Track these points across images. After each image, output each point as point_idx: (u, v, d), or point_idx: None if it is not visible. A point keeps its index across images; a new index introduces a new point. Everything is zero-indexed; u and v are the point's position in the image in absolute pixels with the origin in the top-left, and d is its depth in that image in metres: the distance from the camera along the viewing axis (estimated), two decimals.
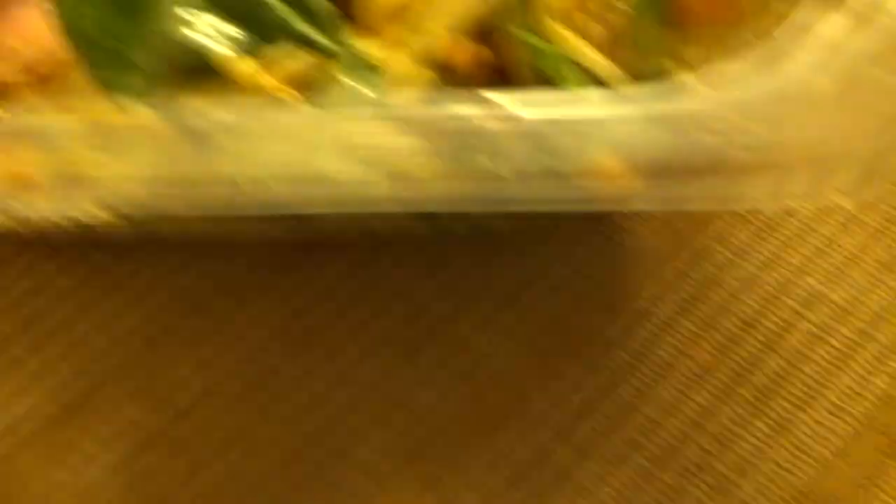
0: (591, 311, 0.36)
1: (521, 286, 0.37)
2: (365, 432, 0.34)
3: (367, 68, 0.27)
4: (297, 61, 0.26)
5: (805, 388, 0.35)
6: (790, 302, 0.37)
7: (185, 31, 0.24)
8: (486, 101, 0.22)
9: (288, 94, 0.25)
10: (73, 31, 0.26)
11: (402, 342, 0.35)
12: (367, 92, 0.26)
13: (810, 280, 0.37)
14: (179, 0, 0.25)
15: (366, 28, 0.28)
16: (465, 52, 0.27)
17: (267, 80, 0.25)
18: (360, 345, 0.35)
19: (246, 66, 0.24)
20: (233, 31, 0.25)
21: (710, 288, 0.37)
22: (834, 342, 0.36)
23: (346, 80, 0.26)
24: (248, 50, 0.25)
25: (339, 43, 0.27)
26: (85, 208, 0.25)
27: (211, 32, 0.24)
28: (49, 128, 0.23)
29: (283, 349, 0.35)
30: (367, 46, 0.28)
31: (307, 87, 0.26)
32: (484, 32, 0.28)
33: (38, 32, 0.28)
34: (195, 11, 0.24)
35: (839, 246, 0.38)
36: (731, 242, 0.38)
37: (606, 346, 0.35)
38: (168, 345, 0.35)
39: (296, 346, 0.35)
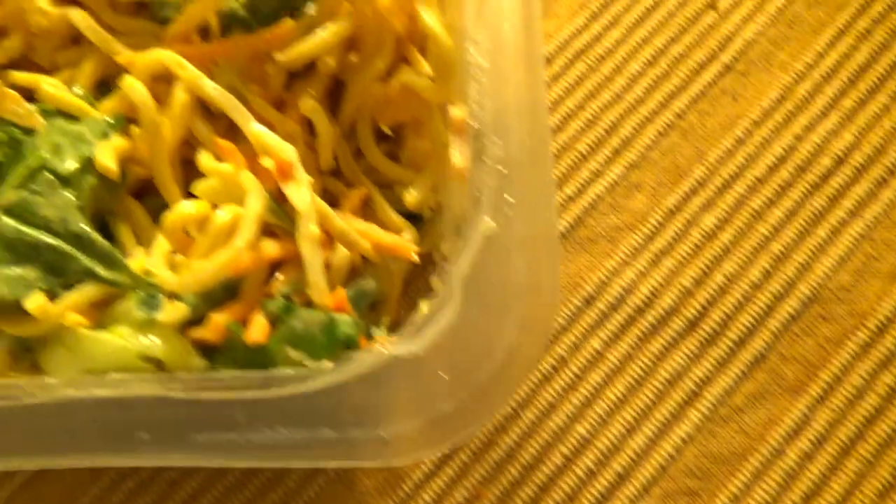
0: None
1: None
2: None
3: (147, 294, 0.34)
4: (87, 293, 0.33)
5: None
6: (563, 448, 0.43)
7: None
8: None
9: (73, 320, 0.32)
10: None
11: None
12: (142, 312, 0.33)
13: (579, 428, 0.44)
14: None
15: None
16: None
17: (54, 310, 0.32)
18: None
19: (37, 303, 0.32)
20: (31, 274, 0.33)
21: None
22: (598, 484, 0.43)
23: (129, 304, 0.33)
24: (49, 288, 0.33)
25: (121, 273, 0.34)
26: None
27: (14, 280, 0.32)
28: None
29: None
30: (155, 268, 0.35)
31: (98, 310, 0.34)
32: None
33: None
34: (1, 265, 0.32)
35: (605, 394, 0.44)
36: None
37: None
38: None
39: None
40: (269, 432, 0.26)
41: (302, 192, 0.37)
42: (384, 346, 0.27)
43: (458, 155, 0.32)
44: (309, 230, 0.37)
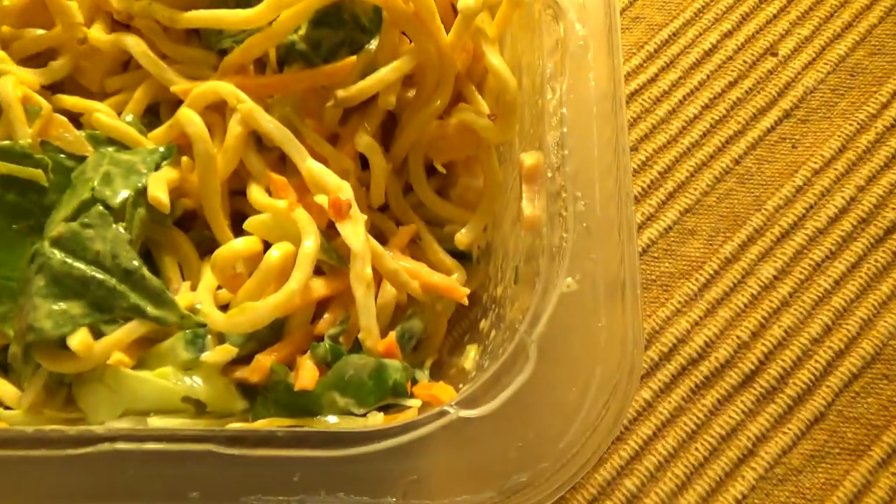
0: None
1: None
2: None
3: (194, 333, 0.33)
4: (133, 330, 0.32)
5: None
6: None
7: (35, 314, 0.30)
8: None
9: (117, 358, 0.31)
10: None
11: None
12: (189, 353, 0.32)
13: None
14: (36, 291, 0.31)
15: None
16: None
17: (99, 349, 0.30)
18: None
19: (82, 341, 0.30)
20: (77, 309, 0.31)
21: None
22: None
23: (175, 343, 0.32)
24: (92, 323, 0.31)
25: (170, 311, 0.33)
26: None
27: (58, 315, 0.30)
28: None
29: None
30: (203, 306, 0.34)
31: (141, 347, 0.32)
32: None
33: None
34: (46, 299, 0.31)
35: None
36: None
37: None
38: None
39: None
40: (328, 497, 0.24)
41: (358, 232, 0.36)
42: (451, 408, 0.26)
43: (529, 204, 0.31)
44: (364, 272, 0.35)
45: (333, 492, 0.24)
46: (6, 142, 0.35)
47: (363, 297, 0.36)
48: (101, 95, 0.42)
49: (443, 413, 0.26)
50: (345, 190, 0.37)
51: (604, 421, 0.25)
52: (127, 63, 0.42)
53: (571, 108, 0.29)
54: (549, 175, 0.29)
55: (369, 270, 0.36)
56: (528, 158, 0.32)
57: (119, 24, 0.41)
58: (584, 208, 0.28)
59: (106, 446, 0.24)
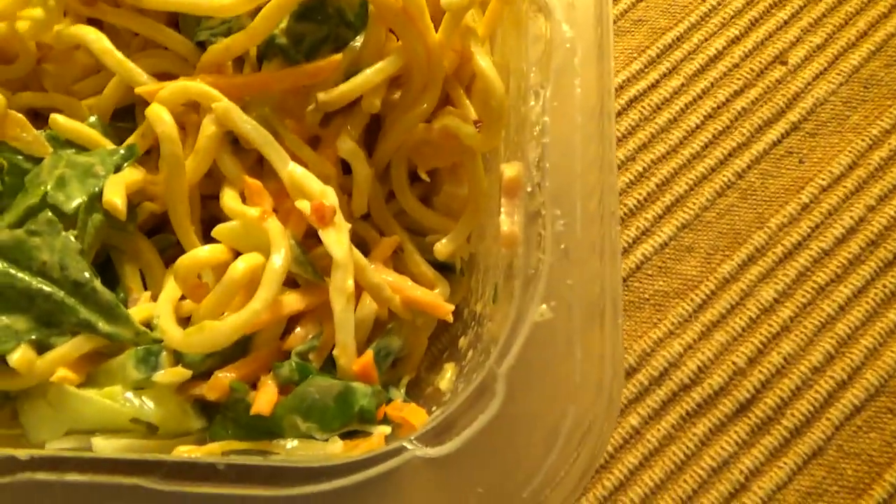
0: None
1: None
2: None
3: (146, 350, 0.31)
4: (79, 346, 0.30)
5: None
6: None
7: None
8: None
9: (61, 375, 0.29)
10: None
11: None
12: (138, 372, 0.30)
13: None
14: None
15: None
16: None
17: (41, 367, 0.28)
18: None
19: (22, 357, 0.28)
20: (21, 324, 0.29)
21: None
22: None
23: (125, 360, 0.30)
24: (38, 339, 0.29)
25: (124, 327, 0.31)
26: None
27: (0, 330, 0.28)
28: None
29: None
30: (161, 320, 0.32)
31: (90, 362, 0.30)
32: None
33: None
34: None
35: None
36: None
37: None
38: None
39: None
40: None
41: (342, 241, 0.34)
42: (411, 444, 0.24)
43: (507, 219, 0.29)
44: (345, 285, 0.33)
45: None
46: None
47: (342, 312, 0.34)
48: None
49: (400, 450, 0.23)
50: (329, 196, 0.35)
51: (573, 468, 0.23)
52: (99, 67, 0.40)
53: (554, 118, 0.27)
54: (529, 190, 0.27)
55: (351, 283, 0.34)
56: (509, 170, 0.30)
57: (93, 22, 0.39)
58: (564, 228, 0.25)
59: (25, 475, 0.22)
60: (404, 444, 0.24)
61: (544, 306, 0.25)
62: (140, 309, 0.33)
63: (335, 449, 0.30)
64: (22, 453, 0.22)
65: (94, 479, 0.22)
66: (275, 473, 0.23)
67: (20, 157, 0.34)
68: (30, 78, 0.37)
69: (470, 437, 0.23)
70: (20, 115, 0.34)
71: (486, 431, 0.23)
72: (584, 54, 0.27)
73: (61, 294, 0.30)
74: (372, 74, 0.37)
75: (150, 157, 0.38)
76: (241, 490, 0.23)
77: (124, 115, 0.39)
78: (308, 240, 0.37)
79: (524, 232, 0.26)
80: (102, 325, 0.30)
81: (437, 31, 0.37)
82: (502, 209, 0.29)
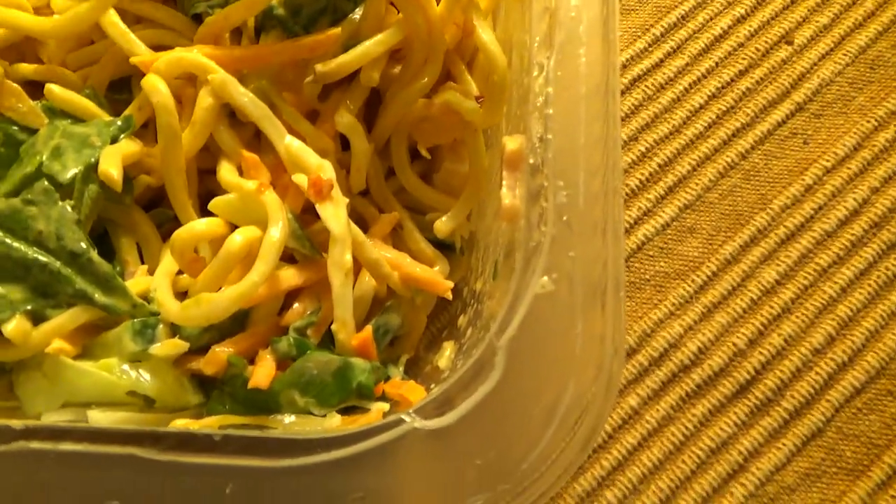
0: None
1: None
2: None
3: (143, 322, 0.30)
4: (75, 317, 0.30)
5: None
6: None
7: None
8: None
9: (57, 347, 0.29)
10: None
11: None
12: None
13: None
14: None
15: None
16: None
17: (36, 338, 0.28)
18: None
19: (17, 328, 0.28)
20: (16, 294, 0.29)
21: None
22: None
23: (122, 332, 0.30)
24: (34, 309, 0.29)
25: (120, 299, 0.30)
26: None
27: None
28: None
29: None
30: (158, 293, 0.32)
31: (87, 334, 0.30)
32: None
33: None
34: None
35: None
36: None
37: None
38: None
39: None
40: None
41: (339, 215, 0.33)
42: (409, 416, 0.23)
43: (509, 192, 0.29)
44: (343, 259, 0.33)
45: None
46: None
47: (340, 287, 0.34)
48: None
49: (398, 422, 0.23)
50: (326, 170, 0.34)
51: (573, 442, 0.22)
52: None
53: (558, 87, 0.26)
54: (531, 161, 0.27)
55: (349, 257, 0.33)
56: (511, 143, 0.29)
57: None
58: (566, 199, 0.25)
59: (20, 444, 0.22)
60: (403, 416, 0.23)
61: (545, 278, 0.24)
62: (137, 282, 0.33)
63: (333, 424, 0.30)
64: (17, 423, 0.22)
65: (88, 449, 0.22)
66: (273, 445, 0.23)
67: (15, 127, 0.34)
68: (26, 47, 0.37)
69: (469, 410, 0.23)
70: (16, 86, 0.33)
71: (485, 404, 0.23)
72: (589, 25, 0.27)
73: (57, 264, 0.30)
74: (371, 46, 0.36)
75: (146, 130, 0.38)
76: (236, 461, 0.22)
77: (120, 88, 0.39)
78: (305, 214, 0.37)
79: (526, 205, 0.26)
80: (99, 297, 0.30)
81: (438, 3, 0.37)
82: (503, 182, 0.29)
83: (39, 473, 0.22)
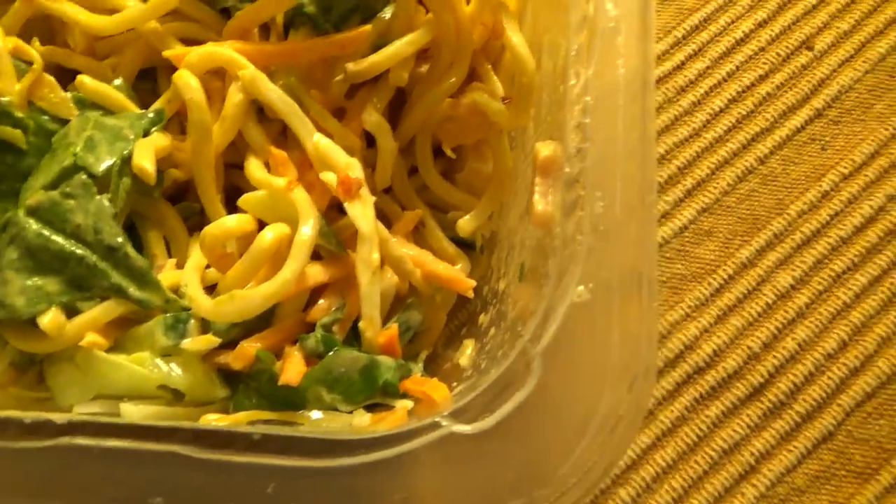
0: None
1: None
2: None
3: (174, 317, 0.30)
4: (109, 311, 0.30)
5: None
6: None
7: (5, 289, 0.28)
8: None
9: (90, 340, 0.29)
10: None
11: None
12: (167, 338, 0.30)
13: None
14: (8, 265, 0.29)
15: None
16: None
17: (71, 331, 0.28)
18: None
19: (53, 321, 0.28)
20: (52, 286, 0.29)
21: None
22: None
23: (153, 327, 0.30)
24: (68, 302, 0.29)
25: (154, 294, 0.31)
26: None
27: (32, 291, 0.28)
28: None
29: None
30: (189, 289, 0.32)
31: (118, 328, 0.30)
32: None
33: None
34: (19, 273, 0.29)
35: None
36: None
37: None
38: None
39: None
40: None
41: (367, 214, 0.33)
42: (445, 420, 0.24)
43: (542, 199, 0.29)
44: (371, 257, 0.33)
45: None
46: None
47: (368, 285, 0.34)
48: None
49: (434, 426, 0.24)
50: (355, 168, 0.34)
51: (608, 449, 0.23)
52: None
53: (596, 97, 0.26)
54: (567, 170, 0.27)
55: (377, 256, 0.34)
56: (544, 149, 0.29)
57: None
58: (603, 210, 0.25)
59: (65, 440, 0.22)
60: (439, 419, 0.24)
61: (581, 287, 0.25)
62: (166, 275, 0.33)
63: (362, 421, 0.30)
64: (60, 417, 0.22)
65: (133, 446, 0.22)
66: (313, 445, 0.23)
67: (45, 117, 0.34)
68: (56, 30, 0.37)
69: (505, 415, 0.23)
70: (50, 77, 0.33)
71: (522, 410, 0.23)
72: (627, 33, 0.27)
73: (94, 258, 0.30)
74: (402, 46, 0.36)
75: (171, 122, 0.38)
76: (278, 461, 0.23)
77: (144, 76, 0.39)
78: (329, 212, 0.37)
79: (560, 211, 0.26)
80: (133, 291, 0.30)
81: (467, 3, 0.37)
82: (536, 188, 0.29)
83: (83, 468, 0.22)
